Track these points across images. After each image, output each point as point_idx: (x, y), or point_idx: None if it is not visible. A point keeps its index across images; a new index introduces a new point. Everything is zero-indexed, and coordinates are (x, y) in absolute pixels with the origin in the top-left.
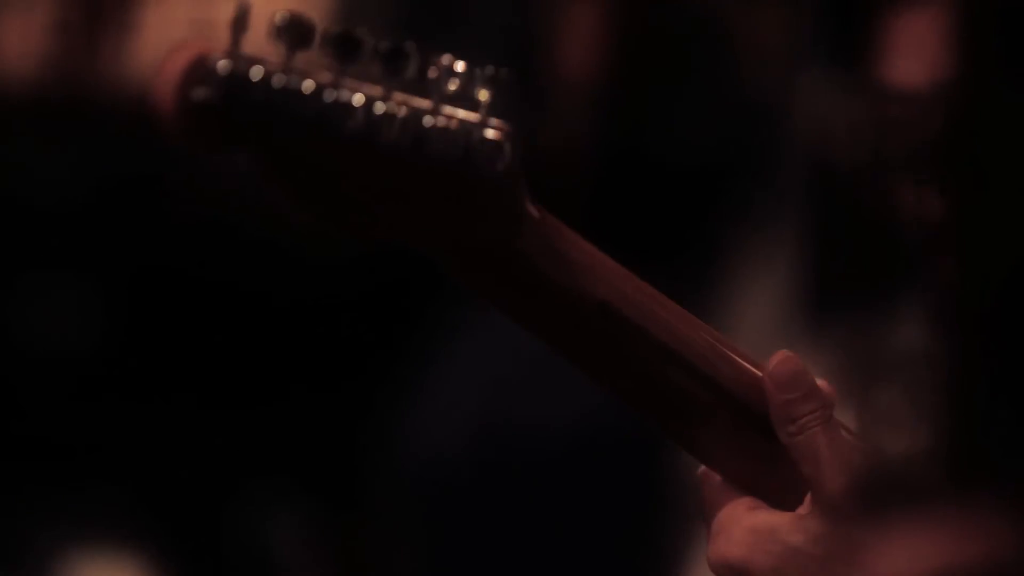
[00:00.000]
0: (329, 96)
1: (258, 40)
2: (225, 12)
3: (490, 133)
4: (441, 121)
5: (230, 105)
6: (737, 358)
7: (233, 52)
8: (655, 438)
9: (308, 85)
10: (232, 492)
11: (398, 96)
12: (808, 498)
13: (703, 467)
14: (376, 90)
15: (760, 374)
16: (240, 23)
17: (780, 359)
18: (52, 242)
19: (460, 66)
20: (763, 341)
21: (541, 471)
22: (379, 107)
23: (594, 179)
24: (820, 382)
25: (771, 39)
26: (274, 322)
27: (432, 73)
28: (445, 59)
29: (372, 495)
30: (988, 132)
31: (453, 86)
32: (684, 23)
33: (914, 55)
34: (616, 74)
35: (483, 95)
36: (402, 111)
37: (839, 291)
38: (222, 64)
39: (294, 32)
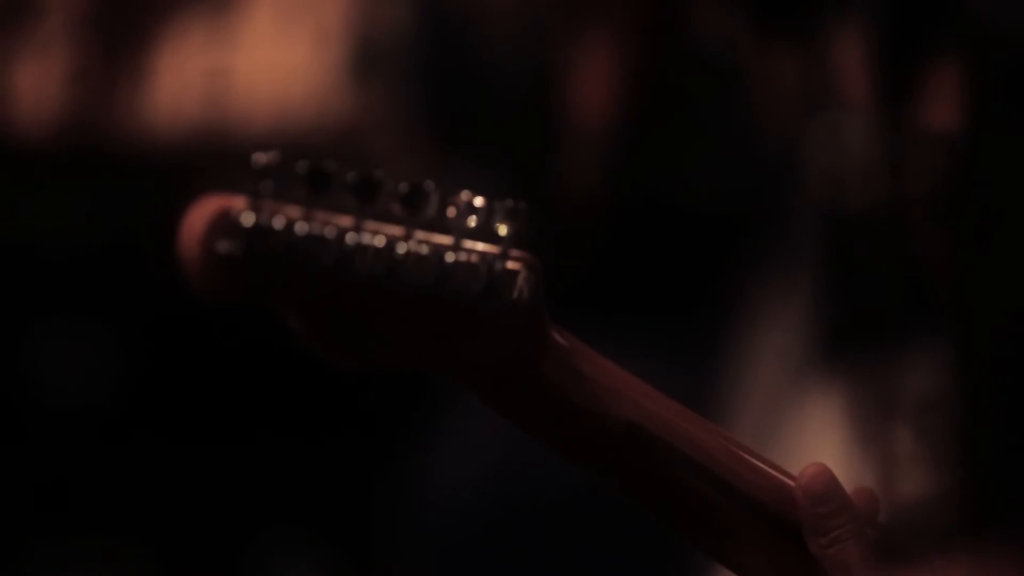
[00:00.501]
0: (351, 240)
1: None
2: (238, 59)
3: (511, 265)
4: (463, 256)
5: (254, 257)
6: (764, 466)
7: (255, 203)
8: None
9: (330, 231)
10: (249, 540)
11: (419, 234)
12: None
13: None
14: (397, 230)
15: (787, 481)
16: (261, 174)
17: (813, 472)
18: (68, 290)
19: (479, 202)
20: (778, 387)
21: (559, 518)
22: (401, 247)
23: (609, 226)
24: (853, 490)
25: (786, 84)
26: (289, 371)
27: (452, 210)
28: (464, 195)
29: (388, 543)
30: (1002, 178)
31: (472, 221)
32: (698, 69)
33: (936, 101)
34: (630, 120)
35: (502, 228)
36: (424, 249)
37: (855, 336)
38: (245, 216)
39: (315, 178)
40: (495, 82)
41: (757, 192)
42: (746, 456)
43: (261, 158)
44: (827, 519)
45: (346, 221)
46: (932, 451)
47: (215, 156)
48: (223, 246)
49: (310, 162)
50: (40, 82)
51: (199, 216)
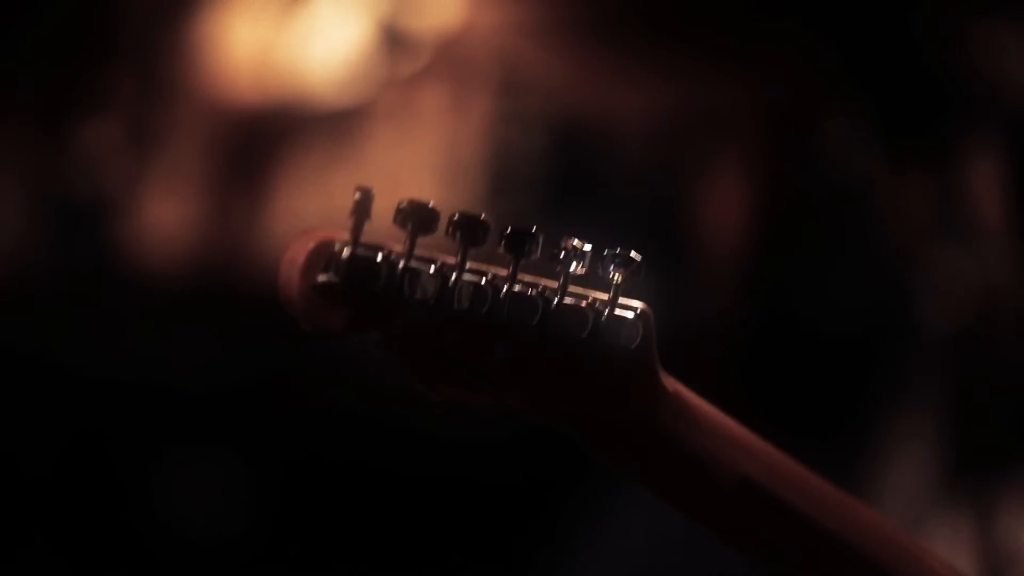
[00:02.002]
0: (453, 278)
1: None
2: (350, 196)
3: (620, 312)
4: (569, 300)
5: (354, 288)
6: (893, 535)
7: (355, 237)
8: None
9: (432, 268)
10: None
11: (526, 277)
12: None
13: None
14: (502, 272)
15: (923, 558)
16: (362, 208)
17: None
18: (199, 427)
19: (588, 247)
20: (909, 507)
21: None
22: (506, 288)
23: (742, 348)
24: None
25: (918, 207)
26: (426, 505)
27: (560, 255)
28: (572, 241)
29: None
30: None
31: (582, 268)
32: (828, 192)
33: None
34: (761, 244)
35: (615, 276)
36: (529, 292)
37: (983, 457)
38: (345, 248)
39: (417, 217)
40: (627, 207)
41: (888, 314)
42: (881, 526)
43: (361, 193)
44: None
45: (448, 259)
46: None
47: None
48: (322, 277)
49: (413, 201)
50: (168, 221)
51: (300, 247)
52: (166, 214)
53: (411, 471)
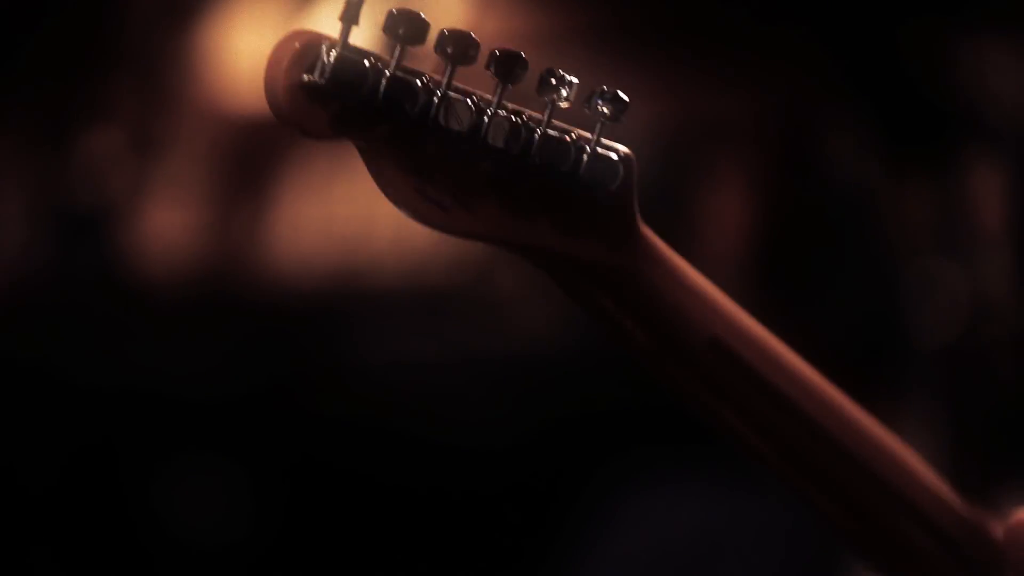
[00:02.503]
0: (439, 94)
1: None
2: (353, 205)
3: (603, 151)
4: (554, 132)
5: (338, 90)
6: (855, 414)
7: (344, 40)
8: None
9: (418, 81)
10: None
11: (512, 105)
12: None
13: None
14: (488, 95)
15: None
16: (352, 12)
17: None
18: (202, 435)
19: (574, 80)
20: None
21: None
22: (489, 111)
23: None
24: None
25: (920, 216)
26: (427, 515)
27: (546, 84)
28: (560, 72)
29: None
30: None
31: (567, 100)
32: (833, 202)
33: None
34: (763, 254)
35: (601, 114)
36: (513, 118)
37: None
38: (332, 50)
39: (406, 25)
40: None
41: (890, 324)
42: (840, 401)
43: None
44: None
45: (436, 76)
46: None
47: (346, 301)
48: (307, 77)
49: (404, 10)
50: (171, 230)
51: (286, 46)
52: (169, 223)
53: (415, 480)
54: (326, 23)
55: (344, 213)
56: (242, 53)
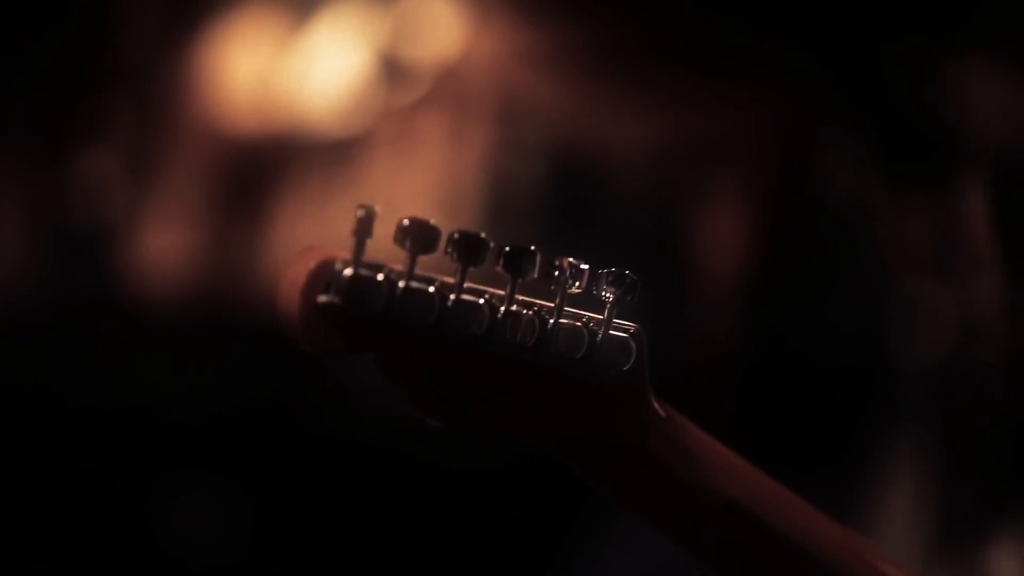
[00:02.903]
0: (452, 299)
1: (385, 247)
2: (349, 225)
3: (614, 332)
4: (565, 320)
5: (354, 309)
6: (879, 564)
7: (357, 257)
8: None
9: (432, 288)
10: None
11: (522, 298)
12: None
13: None
14: (499, 292)
15: None
16: (365, 226)
17: None
18: (199, 455)
19: (584, 267)
20: (902, 542)
21: None
22: (503, 309)
23: (738, 376)
24: None
25: (914, 236)
26: (422, 535)
27: (557, 275)
28: (569, 261)
29: None
30: None
31: (578, 287)
32: (826, 220)
33: None
34: (758, 272)
35: (608, 295)
36: (526, 312)
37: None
38: (346, 268)
39: (418, 236)
40: (627, 235)
41: (884, 343)
42: (861, 552)
43: (364, 211)
44: None
45: (448, 280)
46: None
47: None
48: (323, 297)
49: (414, 219)
50: (168, 249)
51: (301, 267)
52: (165, 242)
53: (409, 499)
54: (321, 43)
55: (340, 232)
56: (240, 73)
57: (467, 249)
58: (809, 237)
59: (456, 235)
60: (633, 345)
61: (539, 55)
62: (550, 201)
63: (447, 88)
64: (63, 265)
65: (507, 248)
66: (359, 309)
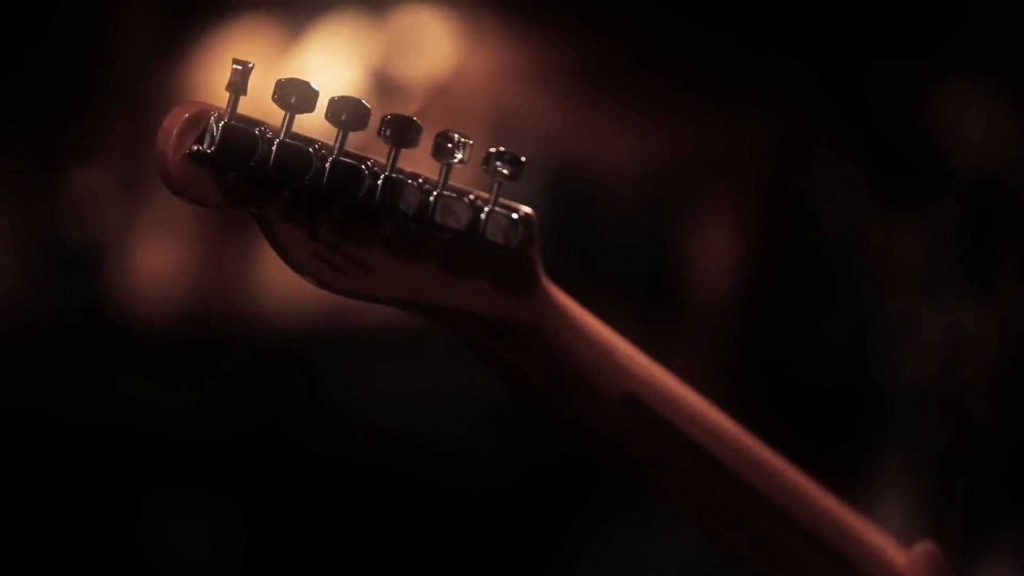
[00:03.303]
0: (331, 159)
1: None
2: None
3: (501, 210)
4: (449, 193)
5: (228, 159)
6: (782, 468)
7: (232, 108)
8: None
9: (310, 148)
10: None
11: (406, 169)
12: None
13: None
14: (382, 160)
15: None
16: (239, 82)
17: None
18: (192, 472)
19: (470, 140)
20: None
21: None
22: (384, 175)
23: (733, 392)
24: None
25: (907, 255)
26: (417, 551)
27: (443, 149)
28: (454, 134)
29: None
30: None
31: (461, 160)
32: (821, 239)
33: None
34: (751, 289)
35: (499, 175)
36: (409, 181)
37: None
38: (221, 120)
39: (295, 93)
40: (620, 251)
41: (875, 360)
42: (767, 457)
43: (241, 65)
44: None
45: (328, 143)
46: None
47: (335, 338)
48: (195, 146)
49: (292, 79)
50: (161, 266)
51: (176, 116)
52: (159, 259)
53: (404, 516)
54: (314, 60)
55: None
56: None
57: (350, 113)
58: (799, 256)
59: (335, 98)
60: (521, 225)
61: (532, 72)
62: (542, 218)
63: (439, 105)
64: (55, 282)
65: (388, 115)
66: (232, 159)
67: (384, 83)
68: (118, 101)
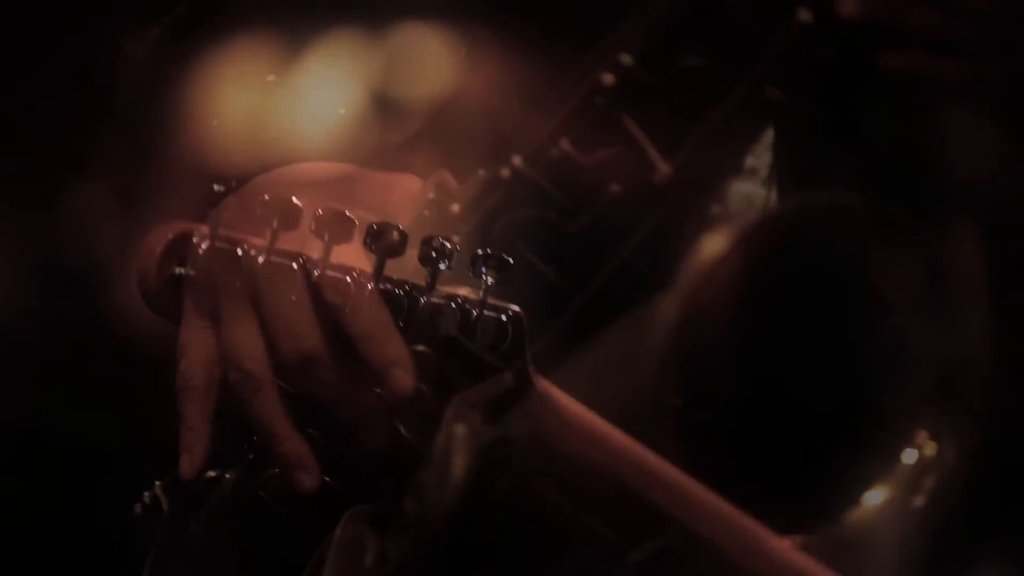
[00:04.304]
0: (320, 271)
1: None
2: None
3: (490, 312)
4: (438, 299)
5: (210, 281)
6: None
7: (213, 229)
8: None
9: (294, 264)
10: None
11: (393, 277)
12: None
13: None
14: (368, 268)
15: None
16: (214, 201)
17: None
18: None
19: (455, 245)
20: None
21: None
22: (371, 285)
23: (730, 419)
24: None
25: (906, 279)
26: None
27: (428, 258)
28: (439, 239)
29: None
30: None
31: (448, 267)
32: (817, 263)
33: None
34: (749, 314)
35: (487, 278)
36: (396, 290)
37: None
38: (203, 242)
39: (281, 211)
40: (621, 271)
41: (875, 384)
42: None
43: (219, 188)
44: None
45: (314, 254)
46: None
47: None
48: (178, 269)
49: (276, 197)
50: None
51: (158, 238)
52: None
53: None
54: (312, 81)
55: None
56: (230, 110)
57: (333, 226)
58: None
59: (321, 213)
60: (510, 326)
61: (533, 92)
62: (543, 238)
63: (439, 125)
64: (53, 302)
65: (373, 225)
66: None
67: (383, 103)
68: (117, 121)
